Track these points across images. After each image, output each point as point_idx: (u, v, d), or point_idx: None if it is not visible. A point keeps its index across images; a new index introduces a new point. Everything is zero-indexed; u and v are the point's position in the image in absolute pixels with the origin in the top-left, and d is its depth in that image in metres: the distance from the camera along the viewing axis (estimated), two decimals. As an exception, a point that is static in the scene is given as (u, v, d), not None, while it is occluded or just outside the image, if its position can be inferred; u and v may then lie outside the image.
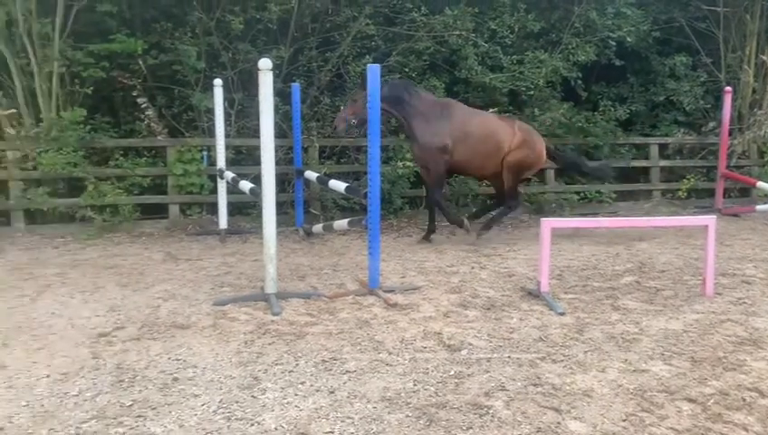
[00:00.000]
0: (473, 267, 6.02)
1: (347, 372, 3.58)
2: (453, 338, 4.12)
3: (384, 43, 8.81)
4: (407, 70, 8.78)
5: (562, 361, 3.78)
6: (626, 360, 3.79)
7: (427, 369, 3.64)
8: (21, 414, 3.06)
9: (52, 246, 6.94)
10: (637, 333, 4.24)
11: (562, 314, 4.62)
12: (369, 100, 4.90)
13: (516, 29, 9.20)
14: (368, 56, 8.49)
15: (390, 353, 3.85)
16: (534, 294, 5.01)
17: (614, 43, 9.36)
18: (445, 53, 9.07)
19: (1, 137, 7.52)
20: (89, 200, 7.45)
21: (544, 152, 7.41)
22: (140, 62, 7.94)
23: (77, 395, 3.26)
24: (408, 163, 8.27)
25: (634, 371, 3.63)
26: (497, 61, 9.13)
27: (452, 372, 3.59)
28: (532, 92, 9.10)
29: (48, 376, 3.50)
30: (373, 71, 4.94)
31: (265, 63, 4.72)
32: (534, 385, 3.43)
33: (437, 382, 3.46)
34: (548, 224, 4.89)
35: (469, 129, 7.09)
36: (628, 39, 9.34)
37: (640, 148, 10.15)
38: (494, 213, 7.60)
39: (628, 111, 9.77)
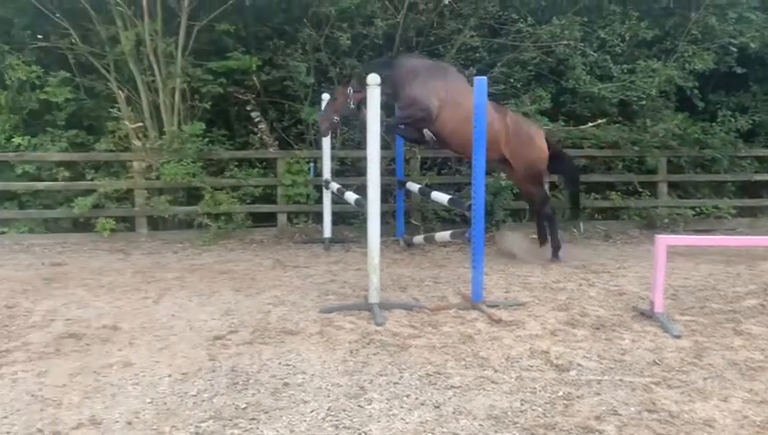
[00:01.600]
0: (580, 284, 5.84)
1: (451, 387, 3.57)
2: (561, 357, 4.01)
3: (488, 55, 8.76)
4: (511, 80, 8.69)
5: (680, 387, 3.58)
6: (751, 389, 3.54)
7: (535, 388, 3.56)
8: (146, 410, 3.28)
9: (172, 251, 7.41)
10: (762, 361, 3.96)
11: (678, 336, 4.38)
12: (475, 113, 4.88)
13: (627, 37, 8.88)
14: (472, 68, 8.46)
15: (496, 371, 3.81)
16: (647, 315, 4.78)
17: (735, 50, 8.82)
18: (551, 63, 8.91)
19: (128, 148, 8.12)
20: (205, 208, 7.90)
21: (544, 143, 6.88)
22: (254, 78, 8.35)
23: (196, 395, 3.45)
24: (512, 175, 8.16)
25: (761, 402, 3.39)
26: (606, 70, 8.85)
27: (560, 393, 3.50)
28: (643, 102, 8.73)
29: (170, 375, 3.73)
30: (480, 83, 4.92)
31: (374, 79, 4.82)
32: (649, 411, 3.27)
33: (545, 403, 3.38)
34: (663, 241, 4.67)
35: (461, 99, 6.47)
36: (752, 45, 8.77)
37: (763, 160, 9.47)
38: (545, 227, 7.16)
39: (751, 121, 9.15)
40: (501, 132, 6.65)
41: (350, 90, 6.66)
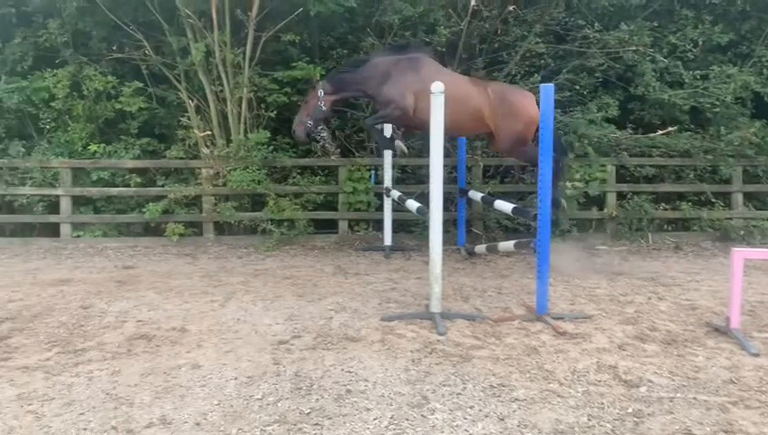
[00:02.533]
0: (649, 298, 5.64)
1: (516, 399, 3.50)
2: (630, 373, 3.87)
3: (554, 61, 8.63)
4: (577, 87, 8.53)
5: (759, 407, 3.40)
6: (838, 414, 3.33)
7: (602, 404, 3.45)
8: (213, 412, 3.35)
9: (237, 256, 7.59)
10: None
11: (756, 354, 4.16)
12: (542, 120, 4.80)
13: (700, 42, 8.59)
14: (536, 74, 8.36)
15: (561, 384, 3.71)
16: (722, 331, 4.57)
17: (817, 54, 8.39)
18: (619, 70, 8.71)
19: (197, 156, 8.38)
20: (269, 214, 8.06)
21: (532, 106, 6.44)
22: (318, 87, 8.46)
23: (261, 399, 3.51)
24: (577, 184, 8.01)
25: None
26: (677, 76, 8.58)
27: (630, 410, 3.38)
28: (717, 109, 8.41)
29: (236, 378, 3.80)
30: (546, 91, 4.83)
31: (438, 87, 4.81)
32: (726, 432, 3.12)
33: (614, 419, 3.27)
34: (740, 254, 4.45)
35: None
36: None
37: None
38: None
39: (833, 129, 8.67)
40: (484, 106, 6.46)
41: (320, 92, 6.70)
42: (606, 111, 8.46)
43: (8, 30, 8.64)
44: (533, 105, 6.44)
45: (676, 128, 8.40)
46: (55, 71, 8.46)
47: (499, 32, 8.48)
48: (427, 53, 6.98)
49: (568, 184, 8.04)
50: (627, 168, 8.53)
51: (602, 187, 8.36)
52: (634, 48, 8.32)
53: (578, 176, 8.21)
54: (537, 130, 6.41)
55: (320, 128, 8.26)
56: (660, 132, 8.41)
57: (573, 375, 3.85)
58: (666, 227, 8.55)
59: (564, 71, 8.50)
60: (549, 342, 4.44)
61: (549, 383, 3.72)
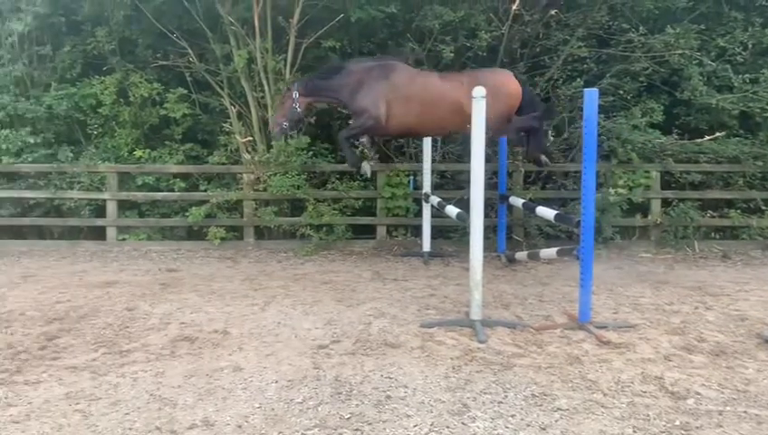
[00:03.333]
0: (696, 307, 5.49)
1: (558, 409, 3.44)
2: (676, 384, 3.77)
3: (596, 66, 8.49)
4: (621, 92, 8.37)
5: (815, 424, 3.27)
6: None
7: (648, 416, 3.36)
8: (255, 415, 3.38)
9: (277, 260, 7.66)
10: None
11: (812, 369, 4.01)
12: (585, 125, 4.72)
13: (750, 45, 8.34)
14: (579, 79, 8.25)
15: (605, 395, 3.63)
16: (774, 343, 4.42)
17: None
18: (664, 74, 8.52)
19: (239, 161, 8.50)
20: (308, 219, 8.12)
21: (510, 81, 6.45)
22: (357, 92, 8.49)
23: (301, 402, 3.52)
24: (621, 190, 7.86)
25: None
26: (726, 80, 8.36)
27: (677, 423, 3.28)
28: (768, 114, 8.15)
29: (276, 381, 3.83)
30: (590, 95, 4.75)
31: (479, 91, 4.78)
32: (780, 449, 3.01)
33: (660, 432, 3.18)
34: (794, 264, 4.29)
35: (410, 91, 6.46)
36: None
37: None
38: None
39: None
40: (462, 97, 6.30)
41: (295, 94, 6.73)
42: (650, 117, 8.29)
43: (58, 38, 8.92)
44: (510, 80, 6.46)
45: (724, 133, 8.17)
46: (103, 78, 8.70)
47: (541, 36, 8.39)
48: (399, 59, 7.02)
49: (611, 190, 7.91)
50: (672, 174, 8.33)
51: (646, 193, 8.18)
52: (680, 52, 8.13)
53: (621, 182, 8.06)
54: (520, 105, 6.51)
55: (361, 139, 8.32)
56: (708, 138, 8.18)
57: (617, 386, 3.76)
58: (713, 235, 8.31)
59: (607, 75, 8.35)
60: (592, 351, 4.35)
61: (592, 393, 3.65)
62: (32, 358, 4.26)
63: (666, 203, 8.27)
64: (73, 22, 8.83)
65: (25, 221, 8.74)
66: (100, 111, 8.69)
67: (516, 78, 6.65)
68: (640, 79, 8.43)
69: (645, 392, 3.67)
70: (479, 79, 6.37)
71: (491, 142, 8.13)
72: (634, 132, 8.11)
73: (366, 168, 6.89)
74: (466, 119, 6.33)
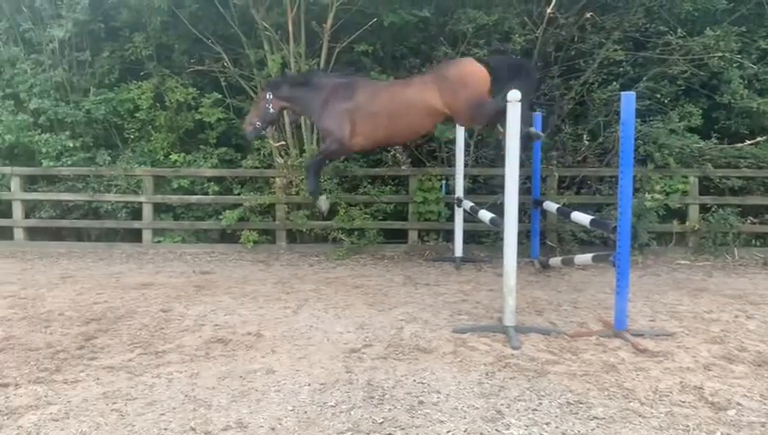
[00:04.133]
0: (737, 316, 5.34)
1: (594, 418, 3.38)
2: (717, 395, 3.67)
3: (633, 69, 8.35)
4: (658, 96, 8.22)
5: None
6: None
7: (687, 426, 3.28)
8: (288, 418, 3.39)
9: (308, 264, 7.69)
10: None
11: None
12: (622, 129, 4.63)
13: (793, 47, 8.11)
14: (614, 83, 8.12)
15: (642, 404, 3.55)
16: (820, 354, 4.27)
17: None
18: (703, 77, 8.32)
19: (271, 165, 8.57)
20: (340, 223, 8.14)
21: (473, 66, 6.26)
22: (389, 97, 8.50)
23: (334, 406, 3.52)
24: (657, 195, 7.72)
25: None
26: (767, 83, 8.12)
27: (718, 434, 3.20)
28: (812, 119, 7.92)
29: (309, 385, 3.83)
30: (627, 99, 4.67)
31: (514, 95, 4.73)
32: (828, 464, 2.90)
33: (701, 444, 3.10)
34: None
35: (375, 107, 6.48)
36: None
37: None
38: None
39: None
40: (430, 98, 6.32)
41: (268, 95, 6.76)
42: (689, 121, 8.11)
43: (97, 44, 9.11)
44: (474, 65, 6.33)
45: (765, 138, 7.96)
46: (140, 83, 8.86)
47: (576, 39, 8.27)
48: (360, 75, 7.18)
49: (647, 195, 7.76)
50: (711, 179, 8.14)
51: (684, 199, 8.01)
52: (720, 54, 7.94)
53: (658, 187, 7.90)
54: (490, 89, 6.29)
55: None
56: (749, 142, 7.99)
57: (655, 395, 3.68)
58: (753, 241, 8.10)
59: (644, 79, 8.20)
60: (628, 359, 4.27)
61: (629, 402, 3.57)
62: (70, 357, 4.35)
63: (704, 209, 8.08)
64: (112, 28, 9.01)
65: (64, 223, 8.94)
66: (136, 115, 8.84)
67: (482, 61, 6.52)
68: (678, 82, 8.26)
69: (684, 402, 3.58)
70: (444, 72, 6.45)
71: (524, 147, 8.09)
72: (671, 137, 7.95)
73: (322, 203, 6.96)
74: (441, 115, 6.44)
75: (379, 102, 6.55)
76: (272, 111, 6.83)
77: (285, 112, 7.21)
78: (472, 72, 6.29)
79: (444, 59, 7.14)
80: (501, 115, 6.42)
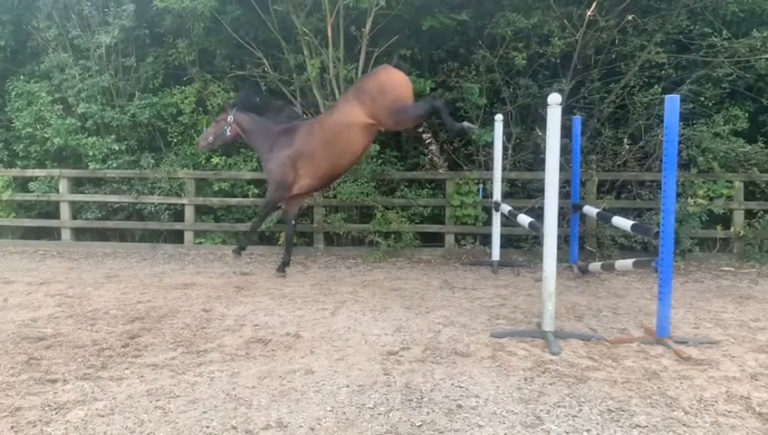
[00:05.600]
0: (785, 325, 5.20)
1: (637, 426, 3.32)
2: (765, 405, 3.57)
3: (675, 72, 8.20)
4: (702, 99, 8.05)
5: None
6: None
7: (734, 437, 3.21)
8: (327, 418, 3.42)
9: (345, 266, 7.75)
10: None
11: None
12: (666, 133, 4.56)
13: None
14: (656, 86, 7.99)
15: (687, 413, 3.48)
16: None
17: None
18: (749, 80, 8.13)
19: (310, 168, 8.66)
20: (377, 227, 8.18)
21: (389, 73, 6.46)
22: (427, 100, 8.51)
23: (372, 408, 3.54)
24: (701, 201, 7.55)
25: None
26: (817, 86, 7.89)
27: (766, 446, 3.12)
28: None
29: (347, 386, 3.86)
30: (672, 102, 4.59)
31: (554, 98, 4.69)
32: None
33: (748, 455, 3.03)
34: None
35: (313, 145, 6.72)
36: None
37: None
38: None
39: None
40: (358, 114, 6.49)
41: (230, 118, 7.04)
42: (734, 124, 7.93)
43: (142, 50, 9.35)
44: (390, 72, 6.50)
45: None
46: (183, 87, 9.05)
47: (616, 42, 8.17)
48: (295, 114, 7.47)
49: (690, 200, 7.61)
50: (757, 184, 7.94)
51: (728, 204, 7.83)
52: (767, 57, 7.74)
53: (701, 192, 7.73)
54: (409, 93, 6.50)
55: (428, 141, 8.31)
56: (797, 146, 7.78)
57: (700, 404, 3.60)
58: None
59: (687, 81, 8.05)
60: (671, 367, 4.19)
61: (673, 411, 3.51)
62: (115, 355, 4.46)
63: (750, 214, 7.89)
64: (156, 34, 9.23)
65: (109, 224, 9.19)
66: (179, 119, 9.04)
67: (398, 67, 6.69)
68: (723, 85, 8.08)
69: (730, 412, 3.50)
70: (360, 87, 6.64)
71: (563, 150, 8.01)
72: (715, 140, 7.78)
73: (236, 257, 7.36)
74: (374, 127, 6.59)
75: (314, 140, 6.81)
76: (228, 133, 7.17)
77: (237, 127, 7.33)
78: (389, 79, 6.46)
79: (362, 78, 7.35)
80: (425, 117, 6.71)
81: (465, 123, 6.45)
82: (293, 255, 8.14)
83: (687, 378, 3.99)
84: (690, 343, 4.65)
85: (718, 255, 7.87)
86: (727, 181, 7.84)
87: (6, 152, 9.66)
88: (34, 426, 3.36)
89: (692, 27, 8.11)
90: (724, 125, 7.90)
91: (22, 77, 9.42)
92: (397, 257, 8.16)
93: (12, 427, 3.35)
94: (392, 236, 8.27)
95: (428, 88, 8.39)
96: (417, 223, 8.42)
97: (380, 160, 8.54)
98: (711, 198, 7.78)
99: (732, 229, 7.85)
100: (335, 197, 8.41)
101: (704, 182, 7.84)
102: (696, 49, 8.14)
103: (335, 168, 6.89)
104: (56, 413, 3.51)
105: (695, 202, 7.60)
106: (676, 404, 3.60)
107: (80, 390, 3.84)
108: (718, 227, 7.90)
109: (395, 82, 6.43)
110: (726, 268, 7.51)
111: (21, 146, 9.39)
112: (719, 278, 7.06)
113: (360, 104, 6.50)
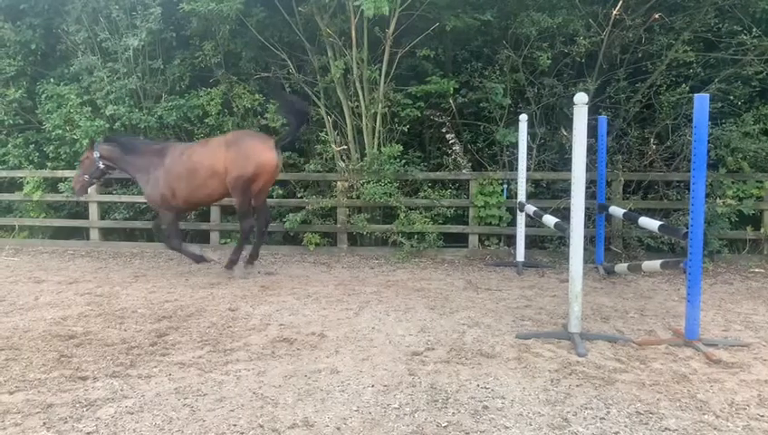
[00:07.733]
0: (818, 327, 5.09)
1: (666, 429, 3.28)
2: (798, 410, 3.51)
3: (703, 70, 8.07)
4: (731, 98, 7.91)
5: None
6: None
7: (766, 441, 3.16)
8: (353, 418, 3.44)
9: (369, 267, 7.76)
10: None
11: None
12: (695, 132, 4.49)
13: None
14: (684, 85, 7.87)
15: (717, 416, 3.43)
16: None
17: None
18: (780, 78, 7.97)
19: (333, 169, 8.70)
20: (400, 227, 8.18)
21: (268, 156, 6.79)
22: (451, 101, 8.50)
23: (398, 408, 3.55)
24: (730, 201, 7.43)
25: None
26: None
27: (800, 451, 3.06)
28: None
29: (372, 386, 3.87)
30: (701, 101, 4.53)
31: (581, 98, 4.66)
32: None
33: (782, 460, 2.97)
34: None
35: (180, 169, 6.94)
36: None
37: None
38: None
39: None
40: (219, 145, 6.92)
41: (96, 154, 7.36)
42: (764, 123, 7.79)
43: (169, 53, 9.46)
44: (271, 153, 6.84)
45: None
46: (209, 89, 9.14)
47: (643, 41, 8.06)
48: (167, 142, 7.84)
49: (719, 201, 7.49)
50: (789, 184, 7.79)
51: (759, 204, 7.69)
52: (799, 54, 7.61)
53: (730, 193, 7.61)
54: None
55: (452, 141, 8.28)
56: (829, 146, 7.61)
57: (731, 407, 3.55)
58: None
59: (715, 80, 7.92)
60: (701, 369, 4.13)
61: (703, 414, 3.46)
62: (144, 353, 4.53)
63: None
64: (183, 37, 9.34)
65: (137, 224, 9.32)
66: (206, 121, 9.12)
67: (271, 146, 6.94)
68: (753, 84, 7.93)
69: (763, 417, 3.44)
70: (238, 141, 6.88)
71: (589, 150, 7.92)
72: (745, 140, 7.65)
73: (206, 256, 7.34)
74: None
75: (180, 164, 7.01)
76: (101, 166, 7.42)
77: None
78: (265, 158, 6.79)
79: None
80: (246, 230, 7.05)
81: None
82: (320, 255, 8.19)
83: (718, 381, 3.93)
84: (720, 345, 4.58)
85: (748, 256, 7.74)
86: (757, 181, 7.71)
87: (37, 154, 9.84)
88: (66, 422, 3.42)
89: (720, 25, 7.98)
90: (753, 124, 7.76)
91: (52, 80, 9.60)
92: (420, 258, 8.16)
93: (44, 423, 3.42)
94: (416, 236, 8.27)
95: (452, 88, 8.37)
96: (440, 223, 8.39)
97: (404, 161, 8.54)
98: (740, 199, 7.65)
99: (762, 230, 7.71)
100: (358, 197, 8.43)
101: (733, 182, 7.71)
102: (724, 47, 8.01)
103: (193, 196, 7.12)
104: (87, 410, 3.58)
105: (723, 203, 7.47)
106: (707, 408, 3.54)
107: (109, 387, 3.90)
108: (748, 228, 7.77)
109: (267, 165, 6.82)
110: (756, 270, 7.37)
111: (51, 147, 9.56)
112: (749, 280, 6.94)
113: (226, 152, 6.83)
